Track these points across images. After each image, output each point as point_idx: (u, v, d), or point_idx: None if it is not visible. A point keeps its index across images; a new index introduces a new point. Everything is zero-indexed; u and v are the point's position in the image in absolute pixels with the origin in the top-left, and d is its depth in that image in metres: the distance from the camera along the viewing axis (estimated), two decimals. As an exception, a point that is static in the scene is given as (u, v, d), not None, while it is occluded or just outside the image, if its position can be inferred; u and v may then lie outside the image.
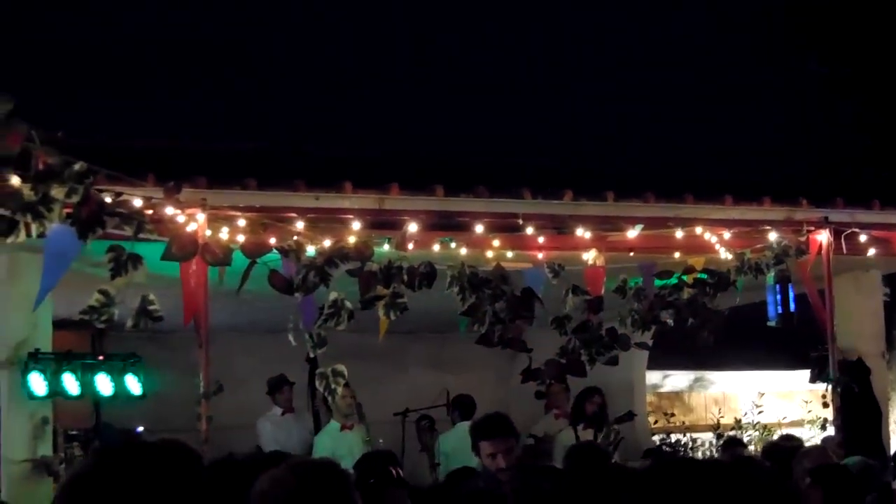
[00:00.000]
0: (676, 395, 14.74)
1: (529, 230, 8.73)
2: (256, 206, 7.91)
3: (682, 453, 11.88)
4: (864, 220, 10.55)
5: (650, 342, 10.67)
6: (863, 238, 10.37)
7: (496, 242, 8.69)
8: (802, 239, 9.77)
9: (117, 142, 9.19)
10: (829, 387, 10.21)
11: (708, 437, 13.09)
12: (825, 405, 10.93)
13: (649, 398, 13.43)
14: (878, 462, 8.05)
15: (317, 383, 8.59)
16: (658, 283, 9.48)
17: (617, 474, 6.34)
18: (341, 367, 8.73)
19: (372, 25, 27.66)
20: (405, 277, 8.21)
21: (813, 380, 11.15)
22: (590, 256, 9.12)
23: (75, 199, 6.67)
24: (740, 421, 13.66)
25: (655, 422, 13.50)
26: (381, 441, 9.51)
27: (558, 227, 9.07)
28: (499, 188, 8.96)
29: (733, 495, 2.81)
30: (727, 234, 9.63)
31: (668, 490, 2.81)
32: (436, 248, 8.48)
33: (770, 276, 9.76)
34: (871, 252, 10.63)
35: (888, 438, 11.48)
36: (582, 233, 8.99)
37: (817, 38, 16.72)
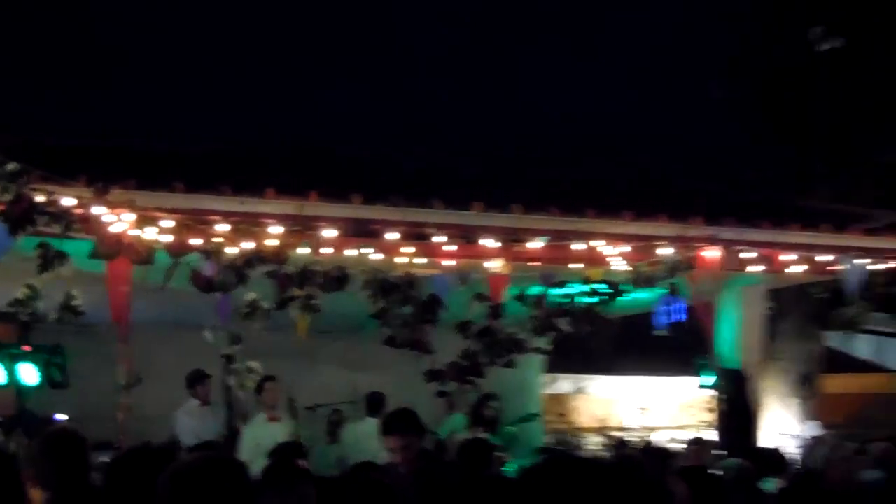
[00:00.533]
0: (568, 398, 15.25)
1: (439, 238, 9.16)
2: (183, 209, 8.19)
3: (572, 453, 12.40)
4: (751, 238, 10.93)
5: (548, 347, 11.16)
6: (749, 255, 10.85)
7: (407, 249, 9.13)
8: (693, 255, 10.26)
9: (51, 140, 9.40)
10: (715, 393, 10.83)
11: (597, 438, 13.62)
12: (710, 410, 11.54)
13: (545, 400, 13.78)
14: (750, 464, 8.70)
15: (230, 378, 9.05)
16: (556, 291, 9.98)
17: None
18: (255, 364, 9.25)
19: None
20: (319, 280, 8.70)
21: (699, 386, 11.77)
22: (494, 265, 9.58)
23: (7, 197, 7.03)
24: (626, 424, 14.18)
25: (548, 423, 13.92)
26: (300, 434, 9.86)
27: (467, 237, 9.47)
28: (412, 198, 9.29)
29: (612, 492, 2.92)
30: (624, 248, 10.12)
31: (553, 486, 2.97)
32: (350, 252, 8.92)
33: (661, 289, 10.31)
34: (757, 268, 11.18)
35: (759, 441, 12.17)
36: (489, 243, 9.46)
37: (719, 64, 17.49)
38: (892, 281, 14.00)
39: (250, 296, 8.82)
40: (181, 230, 8.00)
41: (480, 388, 10.81)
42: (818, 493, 6.81)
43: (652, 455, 8.16)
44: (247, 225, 8.37)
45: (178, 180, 8.28)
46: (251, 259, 8.45)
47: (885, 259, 11.96)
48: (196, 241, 8.11)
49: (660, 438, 12.94)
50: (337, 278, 8.81)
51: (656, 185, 12.91)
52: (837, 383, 17.01)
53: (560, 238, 9.96)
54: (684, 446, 10.31)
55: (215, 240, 8.23)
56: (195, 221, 8.17)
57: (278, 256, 8.54)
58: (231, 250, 8.31)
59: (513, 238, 9.73)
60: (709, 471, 6.97)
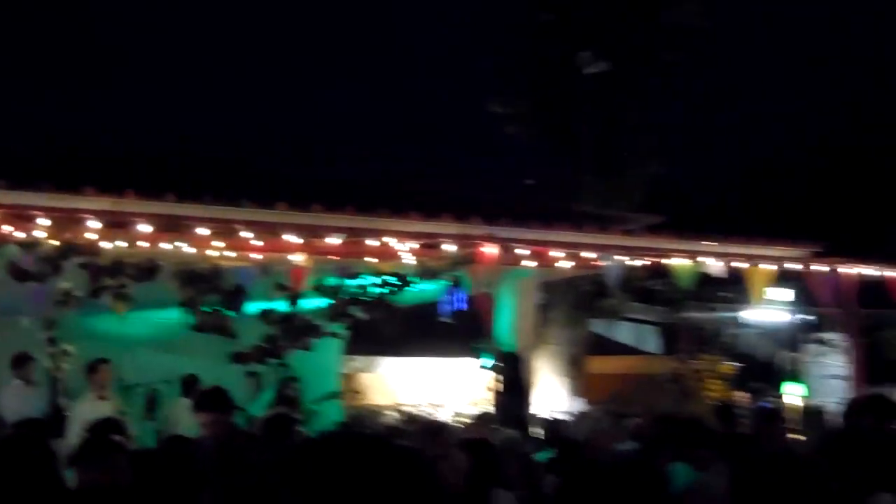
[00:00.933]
0: (363, 378, 15.85)
1: (246, 234, 9.60)
2: (4, 204, 8.46)
3: (366, 429, 12.89)
4: (524, 237, 11.39)
5: (344, 332, 11.80)
6: (523, 252, 11.39)
7: (217, 244, 9.62)
8: (473, 251, 10.72)
9: None
10: (493, 373, 11.75)
11: (390, 413, 14.17)
12: (489, 389, 12.45)
13: (343, 380, 14.24)
14: (523, 435, 9.56)
15: (49, 360, 9.51)
16: (351, 282, 10.68)
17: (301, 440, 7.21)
18: (71, 347, 9.74)
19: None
20: (131, 271, 9.26)
21: (480, 367, 12.65)
22: (296, 258, 10.15)
23: None
24: (414, 402, 14.83)
25: (346, 400, 14.30)
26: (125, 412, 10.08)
27: (271, 233, 9.88)
28: (221, 197, 9.66)
29: (370, 461, 2.73)
30: (413, 245, 10.61)
31: (328, 457, 3.17)
32: (165, 246, 9.44)
33: (445, 281, 11.07)
34: (530, 263, 11.93)
35: (532, 416, 13.01)
36: (291, 238, 9.93)
37: (500, 81, 18.30)
38: (647, 276, 15.45)
39: (64, 285, 9.27)
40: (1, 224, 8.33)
41: (289, 369, 11.20)
42: (582, 462, 7.06)
43: (427, 429, 8.44)
44: (65, 220, 8.64)
45: (1, 177, 8.47)
46: (66, 251, 8.84)
47: (642, 256, 12.52)
48: (17, 234, 8.44)
49: (446, 414, 13.57)
50: (148, 269, 9.38)
51: (441, 188, 13.41)
52: (601, 364, 17.95)
53: (355, 235, 10.29)
54: (468, 421, 10.95)
55: (36, 233, 8.54)
56: (14, 216, 8.46)
57: (91, 249, 8.99)
58: (51, 243, 8.64)
59: (313, 234, 10.06)
60: (489, 442, 7.23)
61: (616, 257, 11.87)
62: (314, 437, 6.25)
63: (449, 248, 10.65)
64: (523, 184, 17.32)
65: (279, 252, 10.16)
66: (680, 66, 18.23)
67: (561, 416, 12.42)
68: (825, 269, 13.32)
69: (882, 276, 14.05)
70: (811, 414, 16.18)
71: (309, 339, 10.43)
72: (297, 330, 10.27)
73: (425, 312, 11.86)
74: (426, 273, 10.90)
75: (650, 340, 22.11)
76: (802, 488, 4.57)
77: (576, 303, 16.55)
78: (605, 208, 15.26)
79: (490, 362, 12.20)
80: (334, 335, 11.37)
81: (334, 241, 10.19)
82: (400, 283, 10.83)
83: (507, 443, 7.88)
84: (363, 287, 10.72)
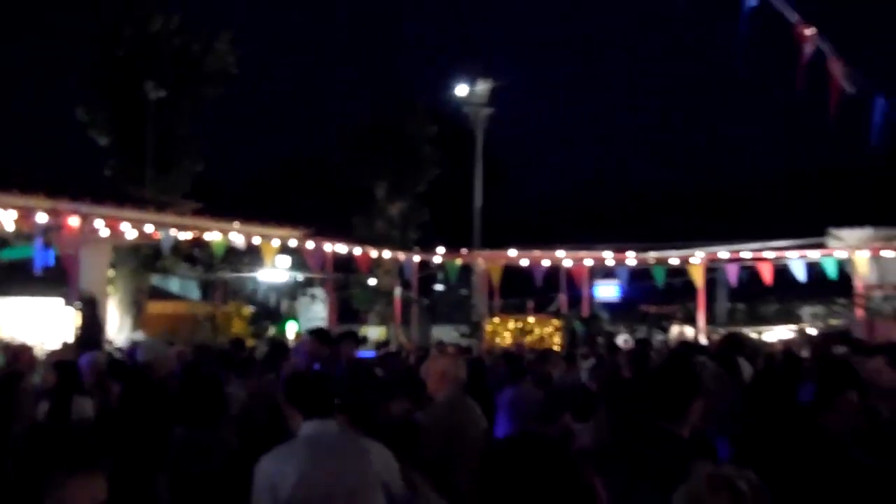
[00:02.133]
0: None
1: None
2: None
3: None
4: (101, 213, 11.40)
5: None
6: (99, 224, 11.45)
7: None
8: (61, 221, 10.57)
9: None
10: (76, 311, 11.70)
11: None
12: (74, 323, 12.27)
13: None
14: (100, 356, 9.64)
15: None
16: None
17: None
18: None
19: None
20: None
21: (65, 306, 12.40)
22: None
23: None
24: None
25: None
26: None
27: None
28: None
29: None
30: (13, 215, 10.38)
31: None
32: None
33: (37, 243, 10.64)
34: (105, 233, 12.00)
35: (106, 342, 12.81)
36: None
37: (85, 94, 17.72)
38: (191, 245, 15.65)
39: None
40: None
41: None
42: (143, 378, 6.54)
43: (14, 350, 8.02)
44: None
45: None
46: None
47: (188, 230, 12.94)
48: None
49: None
50: None
51: (37, 173, 12.91)
52: (157, 308, 18.06)
53: None
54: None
55: None
56: None
57: None
58: None
59: None
60: (72, 362, 6.94)
61: (171, 231, 12.35)
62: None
63: (42, 218, 10.52)
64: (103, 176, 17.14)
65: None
66: (219, 95, 18.89)
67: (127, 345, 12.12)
68: (313, 245, 14.60)
69: (350, 252, 15.91)
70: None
71: None
72: None
73: (22, 266, 11.44)
74: (21, 237, 10.70)
75: (193, 291, 22.75)
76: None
77: (139, 263, 16.69)
78: (161, 195, 15.62)
79: (74, 303, 11.90)
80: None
81: None
82: (0, 243, 10.70)
83: (90, 361, 7.44)
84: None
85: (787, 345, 13.82)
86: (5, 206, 10.42)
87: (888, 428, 4.47)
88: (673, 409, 3.35)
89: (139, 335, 14.99)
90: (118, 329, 15.53)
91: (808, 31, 4.87)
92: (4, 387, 6.02)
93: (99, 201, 11.58)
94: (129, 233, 12.40)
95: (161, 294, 19.92)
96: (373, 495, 3.56)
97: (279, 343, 10.44)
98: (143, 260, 16.77)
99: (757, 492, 2.12)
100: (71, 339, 11.16)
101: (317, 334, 7.54)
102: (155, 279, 19.01)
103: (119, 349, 11.36)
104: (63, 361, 6.98)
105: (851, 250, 15.39)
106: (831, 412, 4.50)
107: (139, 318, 16.61)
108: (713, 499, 2.10)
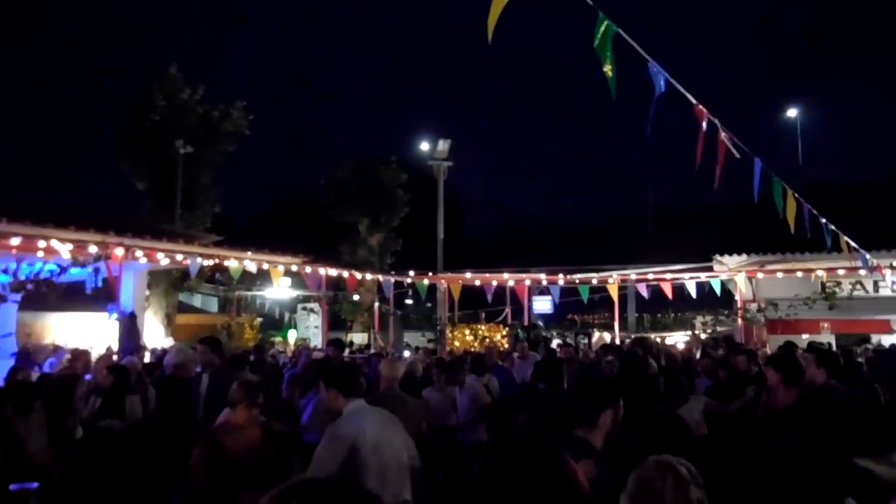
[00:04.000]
0: (38, 325, 14.00)
1: None
2: None
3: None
4: (140, 245, 11.24)
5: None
6: (139, 253, 11.31)
7: None
8: (109, 251, 10.66)
9: None
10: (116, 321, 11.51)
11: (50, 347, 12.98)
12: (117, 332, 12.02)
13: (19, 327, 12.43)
14: (140, 363, 9.63)
15: None
16: (25, 268, 10.08)
17: None
18: None
19: None
20: None
21: (109, 319, 12.15)
22: None
23: None
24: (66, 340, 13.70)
25: (22, 339, 12.41)
26: None
27: None
28: None
29: None
30: (69, 246, 10.21)
31: None
32: None
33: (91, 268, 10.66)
34: (143, 260, 11.78)
35: (143, 348, 12.66)
36: None
37: (126, 149, 17.55)
38: (213, 269, 15.12)
39: None
40: None
41: None
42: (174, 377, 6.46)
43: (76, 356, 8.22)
44: None
45: None
46: None
47: (210, 258, 12.52)
48: None
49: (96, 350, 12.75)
50: None
51: (88, 212, 12.54)
52: (184, 319, 17.92)
53: (28, 238, 9.79)
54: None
55: None
56: None
57: None
58: None
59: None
60: (124, 366, 7.03)
61: (196, 259, 12.18)
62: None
63: (93, 249, 10.52)
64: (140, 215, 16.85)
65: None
66: (233, 148, 18.81)
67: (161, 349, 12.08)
68: (310, 269, 14.40)
69: (339, 275, 15.64)
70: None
71: None
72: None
73: (76, 287, 11.20)
74: (77, 263, 10.43)
75: (213, 305, 22.46)
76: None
77: (169, 283, 16.58)
78: (188, 229, 15.56)
79: (114, 316, 11.45)
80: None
81: (14, 241, 9.75)
82: (59, 269, 10.26)
83: (130, 363, 7.71)
84: (35, 272, 10.12)
85: (687, 346, 14.16)
86: (63, 241, 10.34)
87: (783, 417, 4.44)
88: (585, 418, 2.94)
89: (170, 341, 14.79)
90: (153, 337, 15.36)
91: (704, 109, 5.13)
92: (64, 384, 5.97)
93: (139, 235, 11.51)
94: (163, 260, 12.29)
95: (187, 308, 19.85)
96: (411, 443, 3.89)
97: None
98: (173, 281, 16.65)
99: (693, 475, 2.09)
100: (115, 346, 10.95)
101: (207, 342, 6.53)
102: (182, 296, 18.86)
103: (153, 353, 11.17)
104: (118, 365, 6.97)
105: (732, 273, 15.80)
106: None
107: (170, 328, 16.44)
108: (661, 480, 2.04)
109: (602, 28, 4.15)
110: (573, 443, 2.79)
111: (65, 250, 10.34)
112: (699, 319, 18.24)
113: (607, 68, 4.13)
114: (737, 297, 15.99)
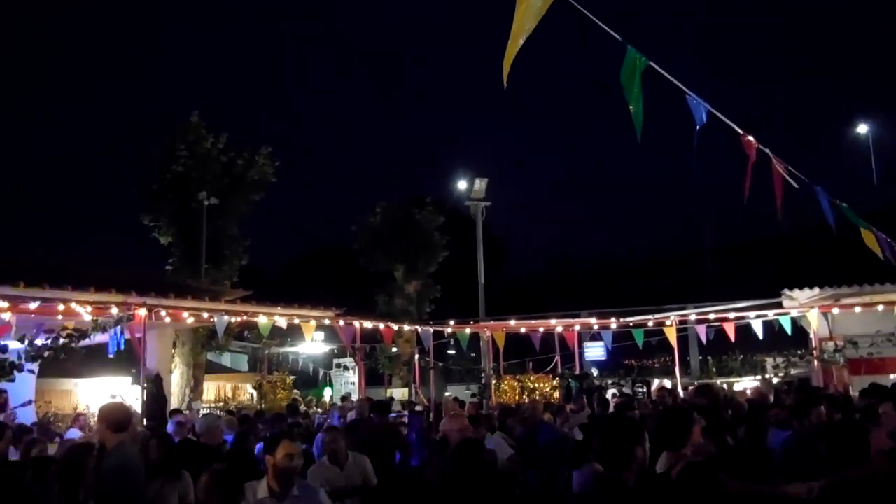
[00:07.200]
0: (57, 392, 14.51)
1: None
2: None
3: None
4: (163, 304, 11.46)
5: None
6: (163, 312, 11.55)
7: None
8: (132, 312, 10.79)
9: None
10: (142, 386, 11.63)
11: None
12: (136, 399, 12.15)
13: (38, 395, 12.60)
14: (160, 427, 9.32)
15: None
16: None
17: None
18: None
19: None
20: None
21: (132, 384, 12.36)
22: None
23: None
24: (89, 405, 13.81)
25: (41, 408, 13.10)
26: None
27: None
28: None
29: None
30: (88, 308, 10.53)
31: None
32: None
33: (113, 331, 10.75)
34: (167, 320, 11.99)
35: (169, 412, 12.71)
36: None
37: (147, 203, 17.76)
38: (240, 327, 15.34)
39: None
40: None
41: None
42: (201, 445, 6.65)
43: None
44: None
45: None
46: None
47: (238, 315, 12.72)
48: None
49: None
50: None
51: (108, 273, 12.82)
52: (213, 379, 17.87)
53: (46, 302, 9.98)
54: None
55: None
56: None
57: None
58: None
59: (18, 301, 9.83)
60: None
61: (222, 317, 12.11)
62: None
63: (114, 311, 10.61)
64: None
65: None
66: (261, 199, 18.98)
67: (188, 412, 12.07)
68: (343, 323, 14.19)
69: (375, 327, 15.43)
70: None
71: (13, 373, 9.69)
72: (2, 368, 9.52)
73: (99, 350, 11.43)
74: (98, 327, 10.51)
75: (242, 364, 22.46)
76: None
77: (196, 342, 16.55)
78: (214, 284, 15.70)
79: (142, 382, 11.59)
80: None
81: (33, 305, 9.92)
82: (78, 335, 10.24)
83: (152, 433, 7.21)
84: (54, 338, 10.07)
85: (756, 392, 13.41)
86: (82, 303, 10.45)
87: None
88: (617, 458, 3.21)
89: (197, 405, 14.85)
90: (180, 400, 15.30)
91: (752, 139, 4.90)
92: (75, 454, 5.49)
93: (162, 294, 11.56)
94: (188, 319, 12.33)
95: (216, 368, 19.67)
96: None
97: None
98: (200, 339, 16.60)
99: None
100: (138, 412, 10.72)
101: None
102: (210, 355, 18.66)
103: (180, 420, 10.69)
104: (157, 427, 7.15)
105: (804, 308, 15.14)
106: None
107: (197, 390, 16.36)
108: None
109: (633, 63, 4.04)
110: (608, 483, 3.13)
111: (85, 313, 10.45)
112: (769, 362, 17.47)
113: (633, 106, 4.00)
114: (811, 336, 15.29)
